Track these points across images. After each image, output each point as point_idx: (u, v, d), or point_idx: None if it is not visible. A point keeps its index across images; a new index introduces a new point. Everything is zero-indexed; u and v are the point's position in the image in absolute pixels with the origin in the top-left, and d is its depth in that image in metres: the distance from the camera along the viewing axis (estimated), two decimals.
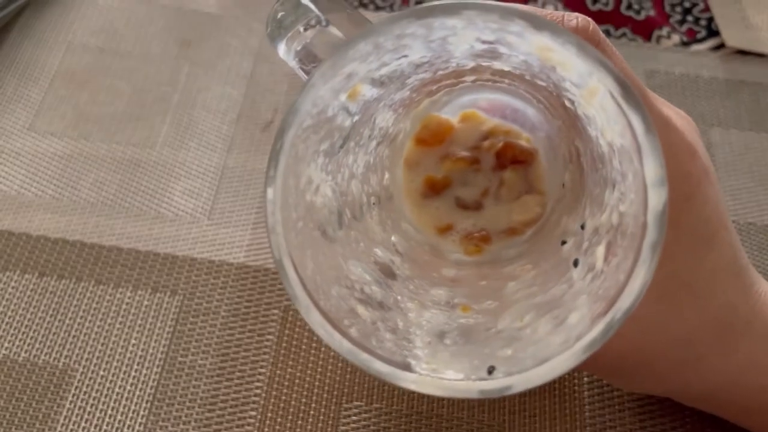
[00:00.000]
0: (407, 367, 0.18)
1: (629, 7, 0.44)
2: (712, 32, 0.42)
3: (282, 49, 0.23)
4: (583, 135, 0.21)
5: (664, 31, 0.42)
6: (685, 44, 0.42)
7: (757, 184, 0.36)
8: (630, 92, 0.16)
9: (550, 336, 0.18)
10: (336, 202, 0.21)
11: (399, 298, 0.21)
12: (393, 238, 0.24)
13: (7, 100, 0.37)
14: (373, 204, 0.24)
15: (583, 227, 0.21)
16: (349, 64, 0.17)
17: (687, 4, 0.44)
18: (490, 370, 0.17)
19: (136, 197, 0.34)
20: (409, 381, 0.17)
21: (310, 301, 0.18)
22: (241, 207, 0.34)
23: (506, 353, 0.18)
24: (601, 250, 0.19)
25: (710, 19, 0.43)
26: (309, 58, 0.22)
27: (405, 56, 0.19)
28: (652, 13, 0.43)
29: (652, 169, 0.16)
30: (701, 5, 0.44)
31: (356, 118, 0.21)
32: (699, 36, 0.42)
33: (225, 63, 0.39)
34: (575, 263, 0.20)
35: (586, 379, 0.30)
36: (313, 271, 0.19)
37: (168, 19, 0.41)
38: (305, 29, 0.22)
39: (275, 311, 0.31)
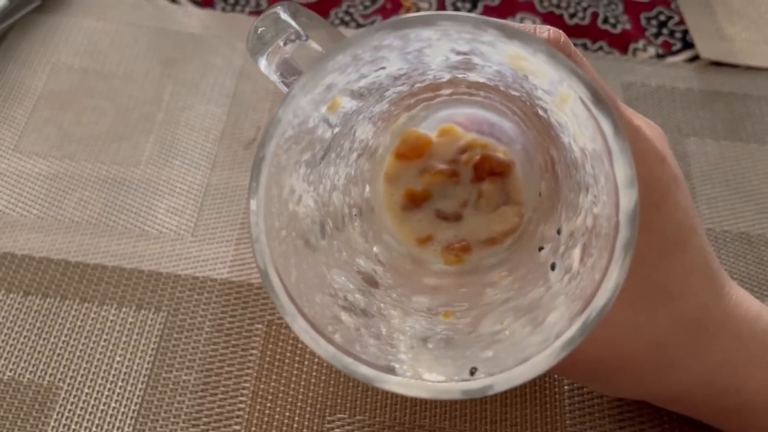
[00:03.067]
0: (391, 371, 0.18)
1: (605, 21, 0.44)
2: (687, 44, 0.43)
3: (263, 63, 0.23)
4: (556, 142, 0.21)
5: (640, 44, 0.43)
6: (660, 56, 0.43)
7: (732, 192, 0.37)
8: (599, 97, 0.16)
9: (530, 336, 0.18)
10: (318, 213, 0.22)
11: (382, 305, 0.21)
12: (375, 248, 0.24)
13: None
14: (355, 215, 0.24)
15: (559, 232, 0.21)
16: (329, 75, 0.18)
17: (662, 17, 0.45)
18: (472, 371, 0.18)
19: (121, 215, 0.34)
20: (393, 383, 0.18)
21: (295, 309, 0.18)
22: (225, 223, 0.34)
23: (487, 355, 0.19)
24: (577, 253, 0.19)
25: (685, 32, 0.44)
26: (289, 72, 0.23)
27: (383, 68, 0.19)
28: (627, 26, 0.44)
29: (622, 170, 0.16)
30: (676, 18, 0.45)
31: (336, 129, 0.21)
32: (674, 48, 0.43)
33: (208, 82, 0.40)
34: (552, 267, 0.20)
35: (566, 387, 0.30)
36: (297, 279, 0.19)
37: (151, 39, 0.41)
38: (285, 44, 0.23)
39: (259, 326, 0.31)
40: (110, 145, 0.37)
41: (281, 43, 0.23)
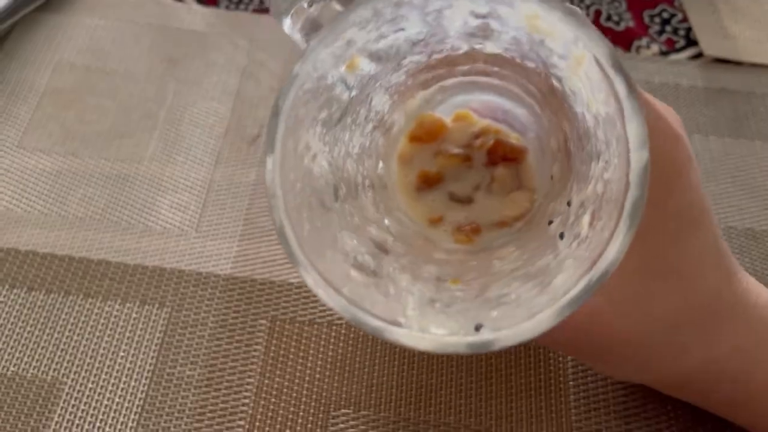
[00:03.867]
0: (398, 325, 0.18)
1: (609, 18, 0.44)
2: (691, 42, 0.43)
3: (287, 24, 0.23)
4: (569, 115, 0.21)
5: (644, 41, 0.43)
6: (664, 54, 0.43)
7: (737, 189, 0.37)
8: (614, 55, 0.16)
9: (537, 297, 0.19)
10: (332, 175, 0.22)
11: (391, 269, 0.22)
12: (386, 221, 0.24)
13: None
14: (368, 186, 0.24)
15: (569, 204, 0.21)
16: (349, 29, 0.18)
17: (666, 15, 0.45)
18: (478, 327, 0.18)
19: (124, 211, 0.34)
20: (399, 335, 0.18)
21: (307, 261, 0.18)
22: (228, 219, 0.34)
23: (494, 314, 0.19)
24: (586, 219, 0.19)
25: (688, 29, 0.44)
26: (314, 30, 0.23)
27: (402, 29, 0.20)
28: (631, 24, 0.44)
29: (634, 129, 0.17)
30: (680, 15, 0.45)
31: (354, 93, 0.21)
32: (678, 45, 0.43)
33: (211, 79, 0.40)
34: (561, 236, 0.20)
35: (571, 382, 0.30)
36: (310, 234, 0.19)
37: (154, 37, 0.41)
38: (309, 5, 0.23)
39: (262, 321, 0.31)
40: (113, 142, 0.37)
41: (305, 4, 0.23)
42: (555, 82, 0.21)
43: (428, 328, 0.18)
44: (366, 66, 0.21)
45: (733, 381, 0.25)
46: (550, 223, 0.22)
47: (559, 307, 0.17)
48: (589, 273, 0.17)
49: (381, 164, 0.25)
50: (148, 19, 0.42)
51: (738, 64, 0.42)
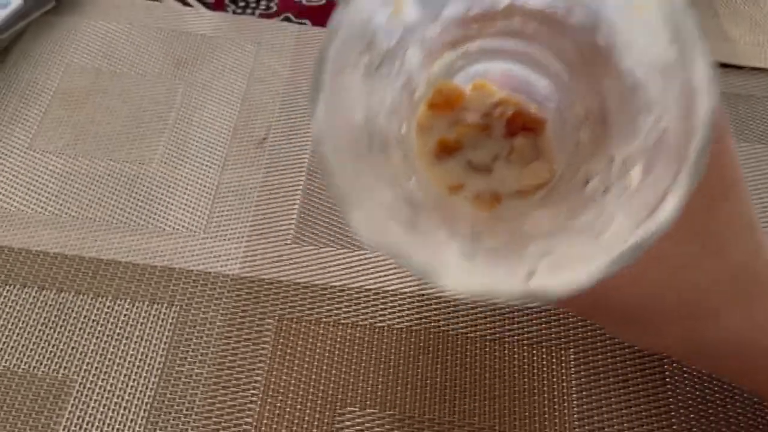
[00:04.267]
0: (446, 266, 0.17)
1: None
2: None
3: None
4: (613, 72, 0.21)
5: None
6: None
7: None
8: None
9: (588, 247, 0.18)
10: (367, 125, 0.22)
11: (426, 224, 0.21)
12: (413, 180, 0.24)
13: (7, 120, 0.38)
14: (397, 143, 0.25)
15: (611, 161, 0.21)
16: None
17: None
18: (530, 274, 0.17)
19: (134, 212, 0.35)
20: (450, 277, 0.17)
21: (354, 203, 0.18)
22: (236, 220, 0.35)
23: (544, 262, 0.18)
24: (636, 172, 0.18)
25: None
26: None
27: None
28: None
29: (701, 70, 0.16)
30: None
31: (393, 42, 0.21)
32: None
33: (220, 83, 0.40)
34: (605, 191, 0.20)
35: (574, 382, 0.30)
36: (352, 183, 0.19)
37: (164, 40, 0.42)
38: None
39: (270, 321, 0.31)
40: (123, 144, 0.37)
41: None
42: (600, 40, 0.20)
43: (476, 273, 0.17)
44: (410, 10, 0.20)
45: (756, 350, 0.25)
46: (587, 183, 0.21)
47: (619, 253, 0.16)
48: (647, 222, 0.16)
49: (404, 127, 0.25)
50: (157, 22, 0.43)
51: (738, 68, 0.43)
